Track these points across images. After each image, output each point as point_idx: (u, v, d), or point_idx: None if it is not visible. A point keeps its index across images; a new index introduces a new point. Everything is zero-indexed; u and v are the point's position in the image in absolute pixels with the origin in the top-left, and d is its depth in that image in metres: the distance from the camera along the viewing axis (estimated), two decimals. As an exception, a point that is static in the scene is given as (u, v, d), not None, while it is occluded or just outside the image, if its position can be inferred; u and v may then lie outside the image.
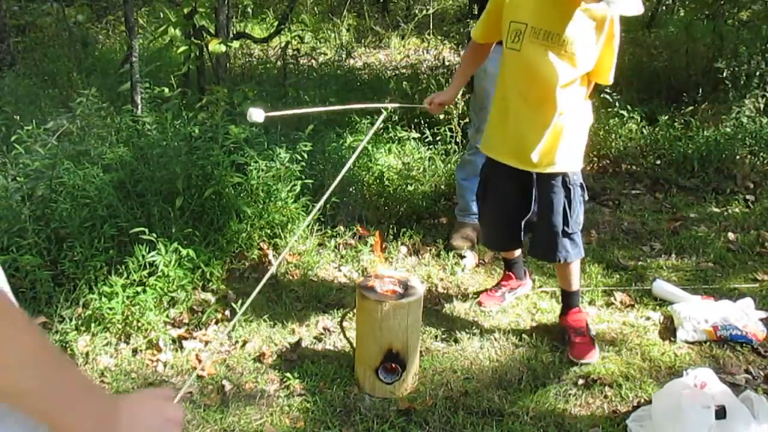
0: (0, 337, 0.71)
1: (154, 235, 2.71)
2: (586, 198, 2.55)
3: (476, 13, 3.40)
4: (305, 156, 3.30)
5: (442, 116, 4.59)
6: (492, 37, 2.47)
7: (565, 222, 2.46)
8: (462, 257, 3.25)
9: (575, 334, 2.56)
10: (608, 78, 2.44)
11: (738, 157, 4.14)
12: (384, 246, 3.31)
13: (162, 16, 4.47)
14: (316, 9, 8.62)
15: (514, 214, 2.58)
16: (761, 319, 2.65)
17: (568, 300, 2.66)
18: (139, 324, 2.62)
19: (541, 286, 3.02)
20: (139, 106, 3.65)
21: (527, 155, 2.41)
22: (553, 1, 2.24)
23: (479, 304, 2.86)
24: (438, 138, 4.43)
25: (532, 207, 2.54)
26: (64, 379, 0.78)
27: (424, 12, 7.75)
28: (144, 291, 2.64)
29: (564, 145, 2.41)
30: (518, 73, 2.35)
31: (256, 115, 2.21)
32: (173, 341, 2.63)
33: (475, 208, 3.43)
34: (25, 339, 0.74)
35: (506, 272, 2.93)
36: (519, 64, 2.33)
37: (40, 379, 0.74)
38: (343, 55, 6.51)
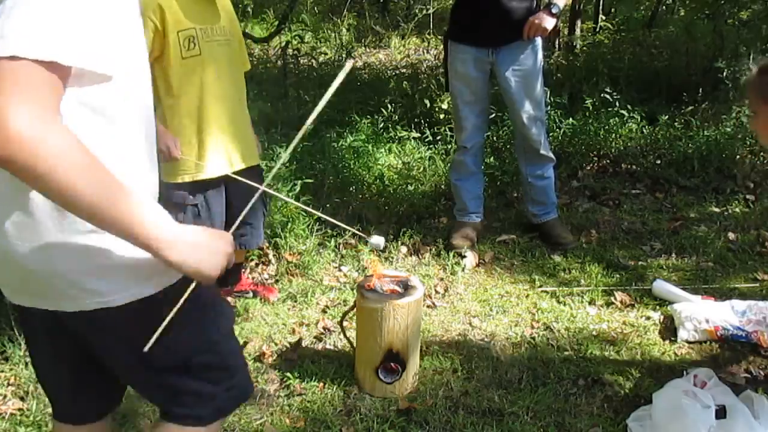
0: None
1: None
2: None
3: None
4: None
5: (442, 116, 4.60)
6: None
7: (265, 207, 2.78)
8: (462, 257, 3.25)
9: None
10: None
11: (738, 156, 4.14)
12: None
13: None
14: (316, 9, 8.62)
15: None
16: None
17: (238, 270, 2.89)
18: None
19: (541, 286, 3.02)
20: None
21: (247, 154, 2.53)
22: None
23: None
24: (438, 138, 4.44)
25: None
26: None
27: (424, 12, 7.76)
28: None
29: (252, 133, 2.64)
30: (210, 75, 2.37)
31: None
32: (173, 341, 2.63)
33: (473, 206, 3.43)
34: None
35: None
36: (206, 69, 2.36)
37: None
38: (344, 55, 6.51)
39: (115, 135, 1.13)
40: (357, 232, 1.82)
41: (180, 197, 2.47)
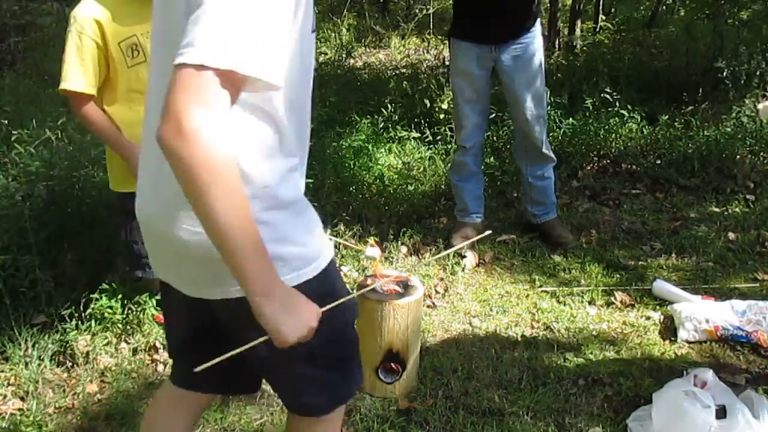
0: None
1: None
2: None
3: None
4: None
5: (442, 116, 4.60)
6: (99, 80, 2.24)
7: None
8: (462, 257, 3.25)
9: None
10: None
11: (738, 156, 4.14)
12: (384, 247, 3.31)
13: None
14: (316, 8, 8.60)
15: None
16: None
17: None
18: (139, 323, 2.62)
19: (541, 286, 3.02)
20: (139, 106, 3.64)
21: None
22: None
23: None
24: (438, 137, 4.44)
25: None
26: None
27: (425, 12, 7.75)
28: (144, 290, 2.64)
29: None
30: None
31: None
32: (173, 341, 2.63)
33: (474, 207, 3.43)
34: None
35: None
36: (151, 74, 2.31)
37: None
38: (344, 55, 6.51)
39: (275, 144, 1.22)
40: (346, 243, 1.82)
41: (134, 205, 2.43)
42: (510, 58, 3.11)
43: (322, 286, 1.29)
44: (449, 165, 4.06)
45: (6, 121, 3.75)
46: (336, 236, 3.37)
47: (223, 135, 1.01)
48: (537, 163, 3.34)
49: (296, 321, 1.15)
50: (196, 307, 1.32)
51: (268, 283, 1.11)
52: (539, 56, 3.17)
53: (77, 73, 2.20)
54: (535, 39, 3.13)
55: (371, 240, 3.24)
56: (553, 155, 3.36)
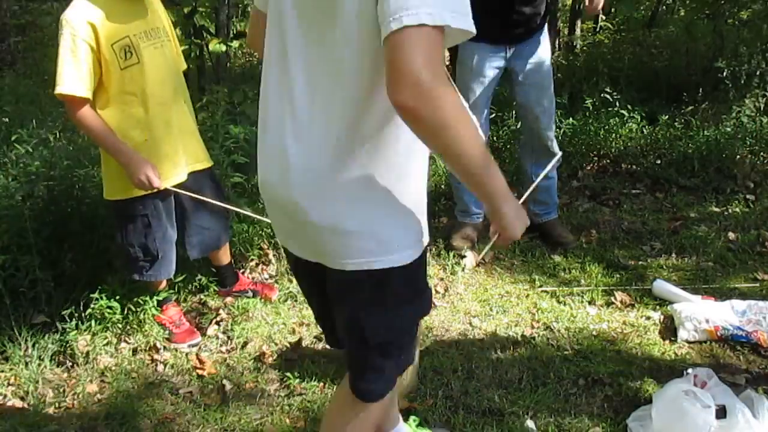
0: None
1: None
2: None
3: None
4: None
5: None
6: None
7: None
8: (462, 257, 3.25)
9: (174, 326, 2.66)
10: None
11: (738, 156, 4.14)
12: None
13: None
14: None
15: (174, 233, 2.57)
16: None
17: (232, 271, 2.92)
18: (139, 323, 2.63)
19: (541, 286, 3.02)
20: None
21: (197, 158, 2.55)
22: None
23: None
24: (438, 138, 4.43)
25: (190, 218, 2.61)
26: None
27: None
28: (144, 291, 2.64)
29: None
30: (152, 82, 2.31)
31: None
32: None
33: (475, 207, 3.43)
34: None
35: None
36: (148, 74, 2.29)
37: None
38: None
39: None
40: None
41: (130, 209, 2.42)
42: (524, 56, 3.11)
43: (419, 264, 1.41)
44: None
45: (6, 121, 3.75)
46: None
47: (449, 85, 1.09)
48: (543, 162, 3.33)
49: (520, 219, 1.33)
50: (315, 271, 1.42)
51: (505, 190, 1.26)
52: (548, 53, 3.18)
53: (73, 77, 2.19)
54: (545, 36, 3.14)
55: None
56: (559, 152, 3.36)
